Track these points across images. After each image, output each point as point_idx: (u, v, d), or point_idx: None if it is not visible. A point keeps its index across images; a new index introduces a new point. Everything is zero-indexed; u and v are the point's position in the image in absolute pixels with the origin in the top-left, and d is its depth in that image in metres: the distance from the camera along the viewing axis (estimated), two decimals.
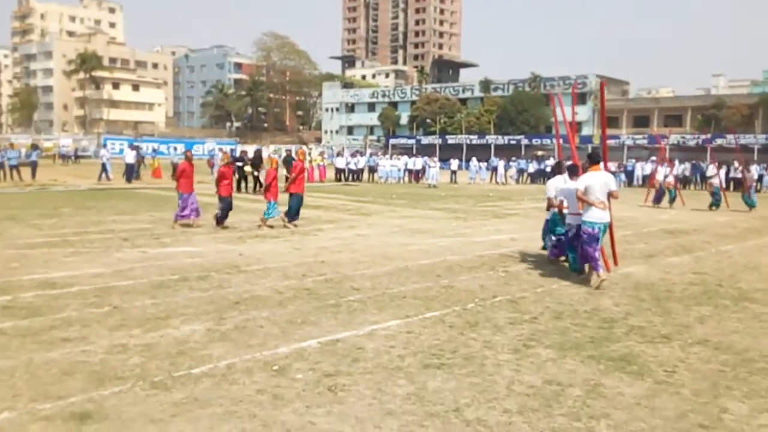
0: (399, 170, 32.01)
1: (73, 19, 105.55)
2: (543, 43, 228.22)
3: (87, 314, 5.55)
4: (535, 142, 52.39)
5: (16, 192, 18.99)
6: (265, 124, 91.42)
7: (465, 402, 3.83)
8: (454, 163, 34.27)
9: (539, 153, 43.85)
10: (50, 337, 4.87)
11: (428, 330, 5.34)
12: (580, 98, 57.51)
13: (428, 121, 63.31)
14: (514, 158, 38.70)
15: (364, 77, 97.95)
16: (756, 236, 12.56)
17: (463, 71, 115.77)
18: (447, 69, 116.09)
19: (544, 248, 9.25)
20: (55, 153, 45.11)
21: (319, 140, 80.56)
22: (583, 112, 56.35)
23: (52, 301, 5.99)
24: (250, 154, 23.03)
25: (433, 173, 28.81)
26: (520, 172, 36.08)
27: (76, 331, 5.03)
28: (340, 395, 3.89)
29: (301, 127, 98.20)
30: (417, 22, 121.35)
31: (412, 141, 59.00)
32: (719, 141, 37.84)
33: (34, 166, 24.64)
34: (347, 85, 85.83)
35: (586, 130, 56.08)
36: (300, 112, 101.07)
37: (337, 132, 79.81)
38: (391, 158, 36.46)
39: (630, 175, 33.95)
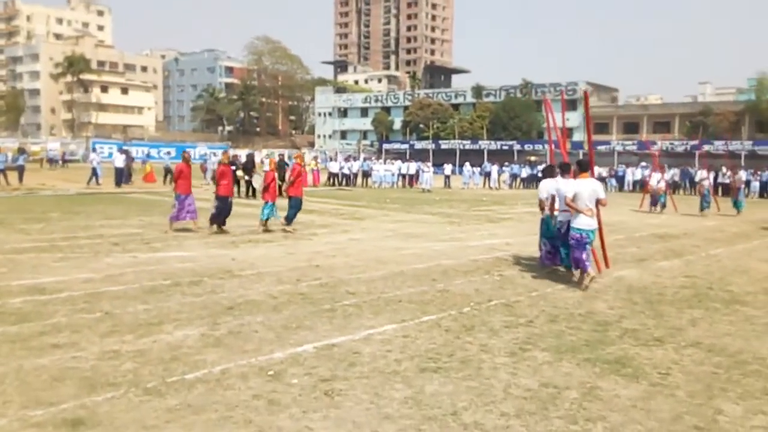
0: (393, 175, 32.04)
1: (60, 21, 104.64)
2: (534, 50, 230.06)
3: (77, 320, 5.47)
4: (528, 147, 52.73)
5: (3, 196, 18.75)
6: (258, 129, 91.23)
7: (462, 405, 3.81)
8: (448, 168, 34.38)
9: (532, 158, 44.07)
10: (40, 343, 4.79)
11: (424, 334, 5.32)
12: (571, 105, 57.93)
13: (421, 126, 63.50)
14: (506, 163, 38.88)
15: (356, 82, 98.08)
16: (745, 240, 12.68)
17: (455, 77, 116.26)
18: (439, 75, 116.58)
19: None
20: (43, 157, 44.66)
21: (312, 145, 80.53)
22: (574, 118, 56.74)
23: (42, 306, 5.90)
24: (242, 159, 22.97)
25: (427, 178, 28.87)
26: (513, 177, 36.36)
27: (67, 337, 4.96)
28: (337, 400, 3.86)
29: (293, 132, 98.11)
30: (409, 28, 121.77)
31: (406, 146, 59.08)
32: (707, 147, 38.27)
33: (21, 170, 24.36)
34: (340, 89, 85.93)
35: (577, 136, 56.41)
36: (292, 117, 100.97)
37: (330, 136, 79.78)
38: (384, 163, 36.49)
39: (621, 180, 34.45)
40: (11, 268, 7.66)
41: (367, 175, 32.10)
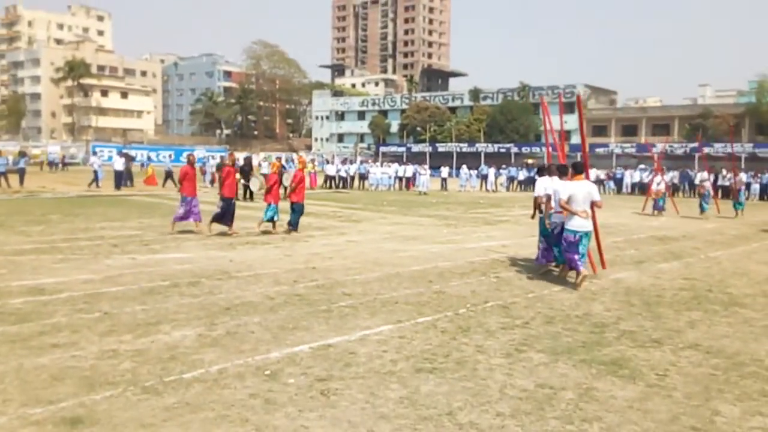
0: (390, 178, 32.08)
1: (60, 26, 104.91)
2: (532, 53, 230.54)
3: (77, 320, 5.49)
4: (525, 150, 52.77)
5: (4, 199, 18.78)
6: (255, 132, 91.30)
7: (458, 406, 3.83)
8: (445, 171, 34.40)
9: (530, 161, 44.14)
10: (40, 343, 4.81)
11: (420, 335, 5.34)
12: (569, 107, 58.01)
13: (418, 129, 63.58)
14: (504, 166, 38.94)
15: (353, 86, 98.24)
16: (744, 243, 12.70)
17: (452, 80, 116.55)
18: (436, 78, 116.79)
19: None
20: (43, 160, 44.77)
21: (309, 148, 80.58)
22: (573, 121, 56.80)
23: (42, 307, 5.92)
24: (240, 162, 22.98)
25: (424, 181, 28.90)
26: (510, 179, 36.33)
27: (66, 337, 4.98)
28: (333, 399, 3.88)
29: (291, 135, 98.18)
30: (406, 32, 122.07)
31: (403, 149, 59.13)
32: (707, 149, 38.33)
33: (22, 173, 24.49)
34: (337, 93, 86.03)
35: (575, 139, 56.50)
36: (290, 120, 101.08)
37: (327, 140, 79.86)
38: (381, 166, 36.54)
39: (619, 182, 34.42)
40: (12, 270, 7.69)
41: (363, 177, 32.16)
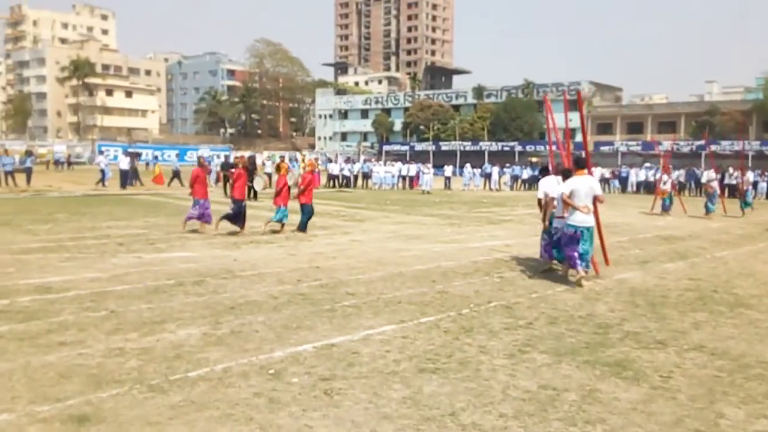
0: (393, 177, 32.06)
1: (65, 26, 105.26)
2: (536, 49, 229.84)
3: (83, 318, 5.54)
4: (529, 148, 52.49)
5: (11, 198, 18.90)
6: (259, 131, 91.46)
7: (460, 406, 3.84)
8: (448, 170, 34.37)
9: (534, 159, 43.98)
10: (47, 341, 4.86)
11: (423, 335, 5.36)
12: (574, 105, 57.75)
13: (422, 127, 63.49)
14: (508, 165, 38.82)
15: (356, 84, 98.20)
16: (751, 243, 12.65)
17: (455, 78, 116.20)
18: (440, 76, 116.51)
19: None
20: (49, 159, 44.97)
21: (312, 146, 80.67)
22: (577, 119, 56.58)
23: (49, 305, 5.97)
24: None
25: (427, 179, 28.89)
26: (514, 178, 36.21)
27: (73, 335, 5.03)
28: (336, 399, 3.90)
29: (294, 134, 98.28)
30: (409, 29, 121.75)
31: (406, 147, 59.04)
32: (714, 147, 38.07)
33: (28, 172, 24.63)
34: (340, 91, 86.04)
35: (580, 137, 56.30)
36: (293, 119, 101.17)
37: (330, 138, 79.86)
38: (385, 165, 36.54)
39: (624, 181, 34.08)
40: (19, 268, 7.75)
41: (367, 176, 32.14)
